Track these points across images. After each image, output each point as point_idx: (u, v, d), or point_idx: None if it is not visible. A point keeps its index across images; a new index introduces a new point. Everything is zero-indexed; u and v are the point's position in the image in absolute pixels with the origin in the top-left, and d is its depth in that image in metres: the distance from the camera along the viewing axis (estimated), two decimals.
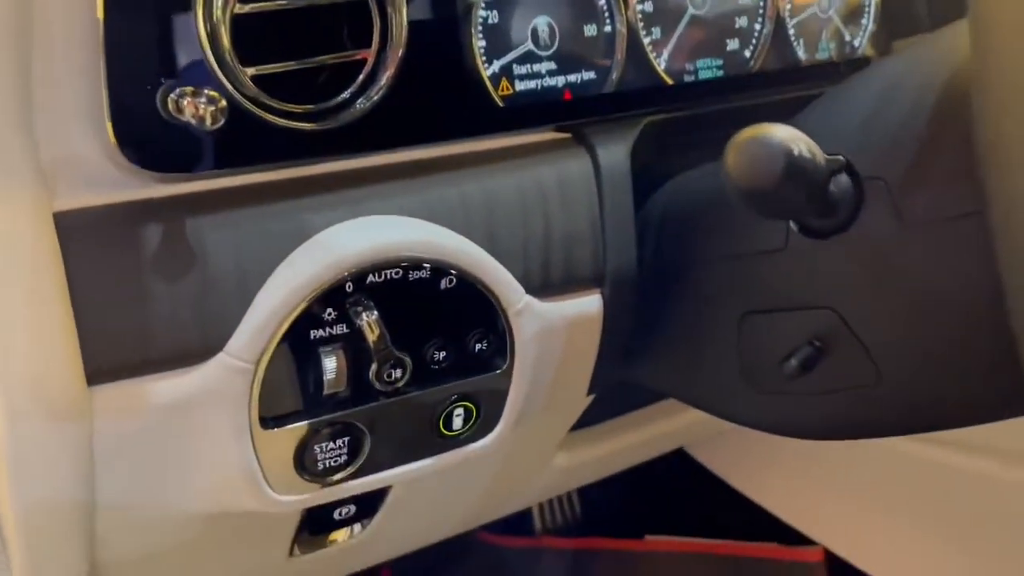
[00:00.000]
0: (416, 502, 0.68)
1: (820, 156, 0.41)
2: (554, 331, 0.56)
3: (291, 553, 0.65)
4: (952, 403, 0.48)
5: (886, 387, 0.48)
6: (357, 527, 0.66)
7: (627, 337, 0.60)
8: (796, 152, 0.40)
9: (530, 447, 0.74)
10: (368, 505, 0.64)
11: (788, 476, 1.17)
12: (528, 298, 0.53)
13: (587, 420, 0.74)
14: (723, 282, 0.55)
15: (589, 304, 0.57)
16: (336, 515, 0.63)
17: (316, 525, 0.63)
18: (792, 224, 0.49)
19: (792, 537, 1.16)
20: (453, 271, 0.50)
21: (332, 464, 0.51)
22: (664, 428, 0.88)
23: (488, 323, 0.53)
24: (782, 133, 0.40)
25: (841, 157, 0.43)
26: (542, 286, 0.54)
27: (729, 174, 0.41)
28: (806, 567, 1.13)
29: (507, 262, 0.52)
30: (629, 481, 1.03)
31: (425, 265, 0.49)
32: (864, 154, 0.45)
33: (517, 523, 1.25)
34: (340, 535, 0.66)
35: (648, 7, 0.59)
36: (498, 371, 0.54)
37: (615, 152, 0.56)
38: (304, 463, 0.50)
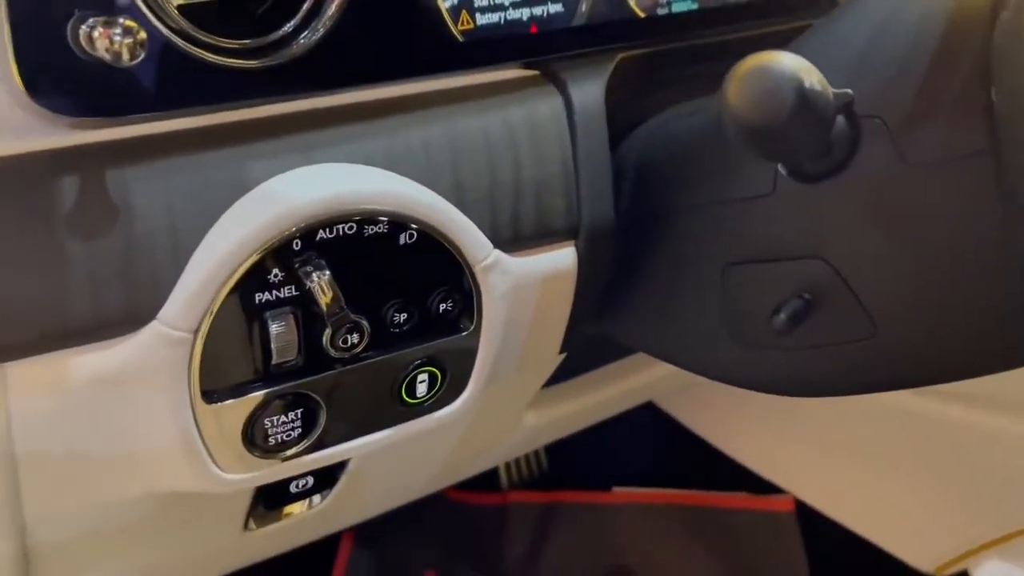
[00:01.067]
0: (377, 470, 0.66)
1: (829, 90, 0.38)
2: (525, 288, 0.53)
3: (246, 527, 0.64)
4: (953, 355, 0.46)
5: (882, 340, 0.46)
6: (316, 498, 0.65)
7: (602, 292, 0.58)
8: (808, 85, 0.37)
9: (498, 410, 0.72)
10: (327, 475, 0.62)
11: (757, 426, 1.18)
12: (496, 252, 0.51)
13: (556, 377, 0.72)
14: (704, 231, 0.52)
15: (563, 258, 0.54)
16: (293, 488, 0.61)
17: (271, 499, 0.61)
18: (781, 167, 0.46)
19: (762, 487, 1.17)
20: (413, 224, 0.47)
21: (284, 439, 0.48)
22: (635, 383, 0.88)
23: (453, 280, 0.50)
24: (791, 62, 0.37)
25: (849, 91, 0.40)
26: (512, 239, 0.52)
27: (730, 108, 0.38)
28: (776, 516, 1.15)
29: (473, 213, 0.49)
30: (597, 433, 1.03)
31: (382, 219, 0.45)
32: (861, 90, 0.42)
33: (482, 478, 1.25)
34: (298, 507, 0.64)
35: None
36: (465, 332, 0.51)
37: (588, 89, 0.53)
38: (253, 438, 0.47)
